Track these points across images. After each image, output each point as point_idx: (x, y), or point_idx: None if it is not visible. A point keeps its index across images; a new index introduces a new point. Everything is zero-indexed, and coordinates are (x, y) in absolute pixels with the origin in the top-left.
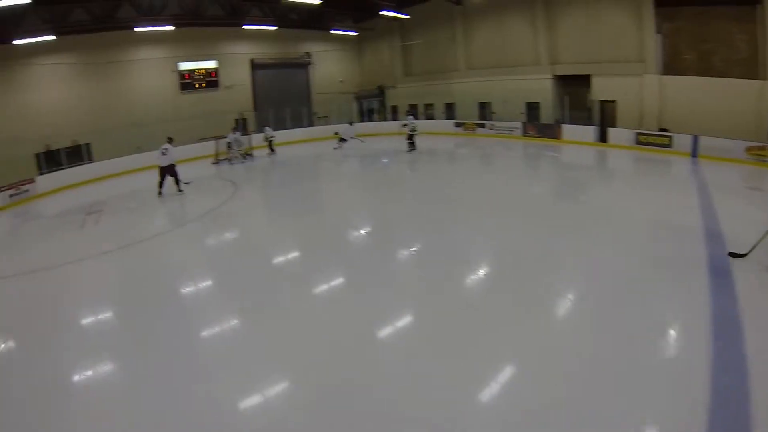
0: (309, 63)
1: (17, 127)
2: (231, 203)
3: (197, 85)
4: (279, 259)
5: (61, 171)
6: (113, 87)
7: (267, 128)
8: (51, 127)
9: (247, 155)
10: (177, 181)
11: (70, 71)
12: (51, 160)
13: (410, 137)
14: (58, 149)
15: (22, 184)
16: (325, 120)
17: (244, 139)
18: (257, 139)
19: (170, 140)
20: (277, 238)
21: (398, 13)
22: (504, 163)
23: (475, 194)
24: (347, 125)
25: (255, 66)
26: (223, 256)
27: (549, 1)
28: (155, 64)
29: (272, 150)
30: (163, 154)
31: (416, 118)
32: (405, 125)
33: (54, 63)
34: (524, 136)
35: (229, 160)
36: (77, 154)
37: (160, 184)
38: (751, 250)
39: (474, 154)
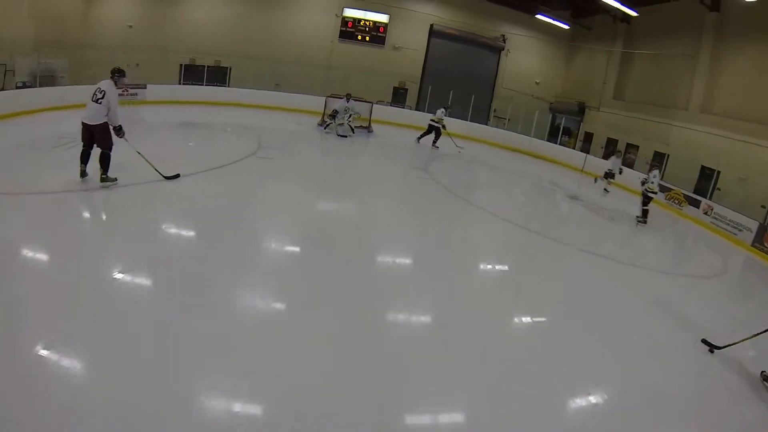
0: (502, 48)
1: (167, 36)
2: None
3: (359, 37)
4: None
5: (199, 87)
6: (267, 17)
7: (440, 110)
8: (196, 44)
9: (364, 128)
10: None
11: None
12: (194, 74)
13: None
14: (203, 66)
15: (133, 87)
16: (503, 123)
17: (355, 106)
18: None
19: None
20: None
21: (625, 5)
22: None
23: None
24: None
25: (434, 33)
26: None
27: None
28: (318, 2)
29: (436, 137)
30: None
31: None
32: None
33: None
34: (756, 247)
35: (332, 128)
36: (218, 75)
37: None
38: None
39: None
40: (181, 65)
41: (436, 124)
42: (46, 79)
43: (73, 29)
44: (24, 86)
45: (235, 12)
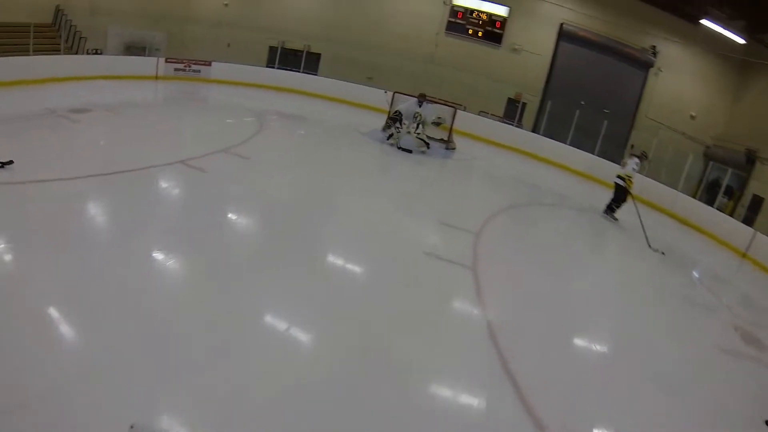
0: (651, 64)
1: (260, 16)
2: None
3: (470, 32)
4: None
5: (284, 71)
6: (366, 1)
7: (633, 160)
8: (288, 26)
9: (443, 142)
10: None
11: None
12: (283, 58)
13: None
14: (294, 50)
15: (196, 63)
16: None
17: (431, 111)
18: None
19: None
20: None
21: None
22: None
23: None
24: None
25: (564, 34)
26: None
27: None
28: None
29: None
30: None
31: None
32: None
33: None
34: None
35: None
36: (309, 61)
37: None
38: None
39: None
40: (270, 48)
41: (622, 183)
42: (138, 50)
43: (175, 3)
44: (95, 53)
45: None
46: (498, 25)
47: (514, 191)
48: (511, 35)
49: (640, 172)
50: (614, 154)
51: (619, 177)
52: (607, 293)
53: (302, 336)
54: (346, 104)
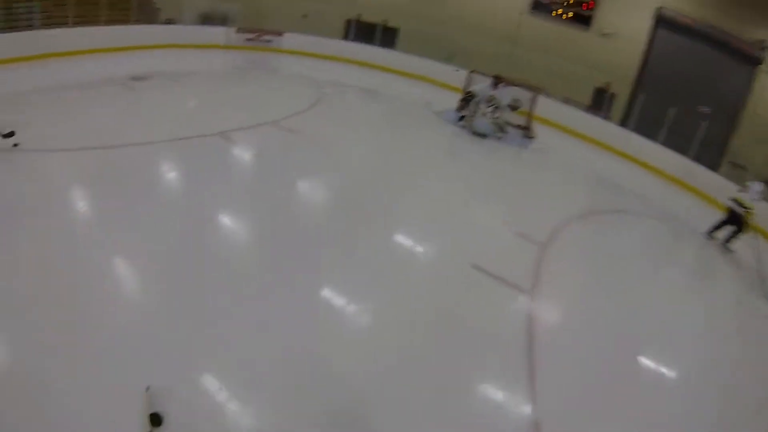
0: (760, 60)
1: None
2: None
3: (556, 13)
4: None
5: (359, 45)
6: None
7: (756, 186)
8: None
9: (522, 128)
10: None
11: None
12: (359, 31)
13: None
14: (371, 24)
15: (267, 33)
16: (743, 175)
17: (507, 94)
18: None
19: None
20: None
21: None
22: None
23: None
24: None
25: (662, 20)
26: None
27: None
28: None
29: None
30: None
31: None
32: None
33: None
34: None
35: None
36: (386, 36)
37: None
38: None
39: None
40: (347, 21)
41: (739, 209)
42: (215, 21)
43: None
44: (169, 23)
45: None
46: (588, 5)
47: (594, 193)
48: (601, 18)
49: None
50: (712, 161)
51: (735, 201)
52: (715, 375)
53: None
54: (423, 80)
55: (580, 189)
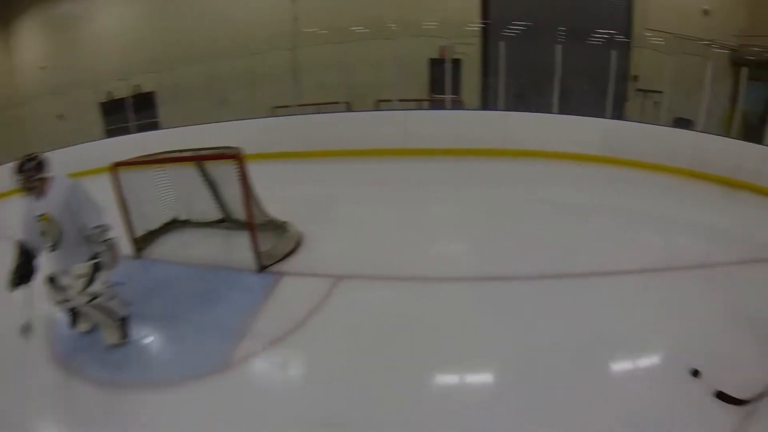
0: None
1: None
2: None
3: None
4: None
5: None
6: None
7: None
8: (109, 68)
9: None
10: None
11: None
12: (117, 111)
13: None
14: (122, 98)
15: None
16: (650, 102)
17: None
18: None
19: None
20: None
21: None
22: None
23: None
24: None
25: None
26: None
27: None
28: None
29: None
30: None
31: None
32: None
33: None
34: None
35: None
36: (142, 106)
37: None
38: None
39: None
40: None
41: None
42: None
43: None
44: None
45: (140, 15)
46: None
47: None
48: None
49: None
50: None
51: None
52: None
53: None
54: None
55: None
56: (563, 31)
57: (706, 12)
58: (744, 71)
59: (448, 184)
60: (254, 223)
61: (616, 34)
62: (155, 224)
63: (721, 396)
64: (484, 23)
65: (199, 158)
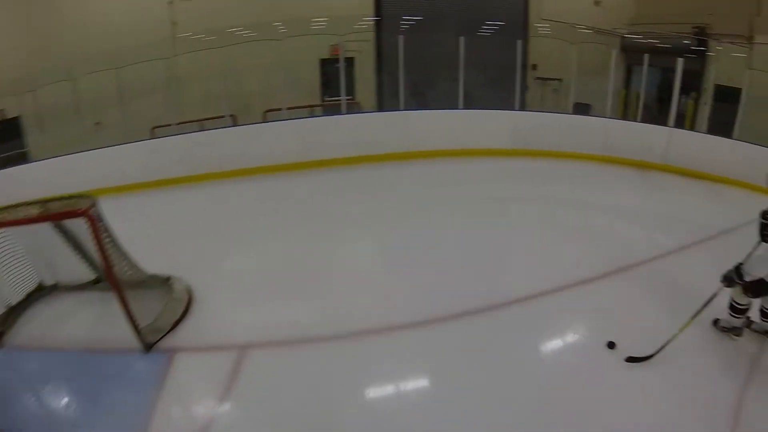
0: None
1: None
2: None
3: None
4: None
5: None
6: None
7: None
8: None
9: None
10: None
11: None
12: None
13: None
14: None
15: None
16: (554, 92)
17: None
18: None
19: None
20: None
21: None
22: None
23: None
24: None
25: None
26: None
27: None
28: None
29: None
30: None
31: None
32: None
33: None
34: None
35: None
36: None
37: None
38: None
39: None
40: None
41: None
42: None
43: None
44: None
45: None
46: None
47: None
48: None
49: None
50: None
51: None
52: None
53: None
54: None
55: None
56: (458, 22)
57: (597, 2)
58: (642, 57)
59: (355, 201)
60: (125, 296)
61: (504, 24)
62: (17, 297)
63: (631, 359)
64: (376, 18)
65: (35, 220)
